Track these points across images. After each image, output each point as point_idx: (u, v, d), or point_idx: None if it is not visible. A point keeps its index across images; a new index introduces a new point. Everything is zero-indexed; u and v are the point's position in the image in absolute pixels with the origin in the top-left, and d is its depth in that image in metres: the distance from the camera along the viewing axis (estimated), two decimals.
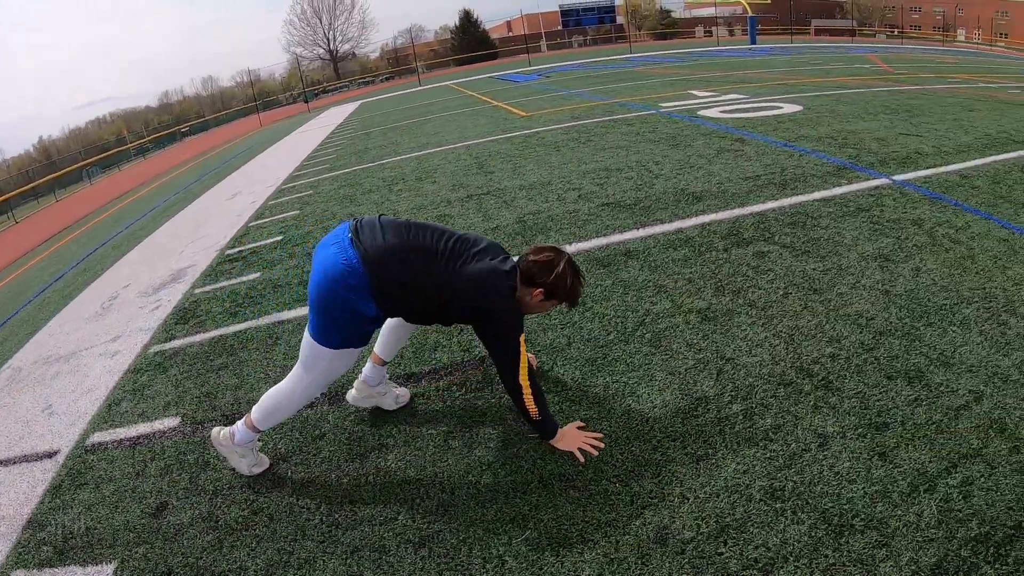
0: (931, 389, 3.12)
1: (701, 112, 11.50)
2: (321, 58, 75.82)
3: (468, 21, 71.88)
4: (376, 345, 3.09)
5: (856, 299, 4.04)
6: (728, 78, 18.16)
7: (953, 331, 3.65)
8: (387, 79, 61.09)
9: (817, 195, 6.03)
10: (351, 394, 3.17)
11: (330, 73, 73.34)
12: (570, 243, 5.47)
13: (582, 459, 2.68)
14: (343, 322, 2.46)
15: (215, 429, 2.86)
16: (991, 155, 7.58)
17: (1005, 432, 2.82)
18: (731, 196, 6.24)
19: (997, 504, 2.44)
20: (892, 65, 21.54)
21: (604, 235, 5.47)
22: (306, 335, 2.56)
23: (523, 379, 2.56)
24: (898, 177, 6.49)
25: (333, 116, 27.22)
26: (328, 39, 74.49)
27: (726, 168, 7.24)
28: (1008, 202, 5.88)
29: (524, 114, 14.29)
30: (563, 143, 10.09)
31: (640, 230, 5.60)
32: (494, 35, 76.64)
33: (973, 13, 78.34)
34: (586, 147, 9.46)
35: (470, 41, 67.92)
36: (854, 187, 6.22)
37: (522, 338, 2.57)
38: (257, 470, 2.89)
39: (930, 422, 2.89)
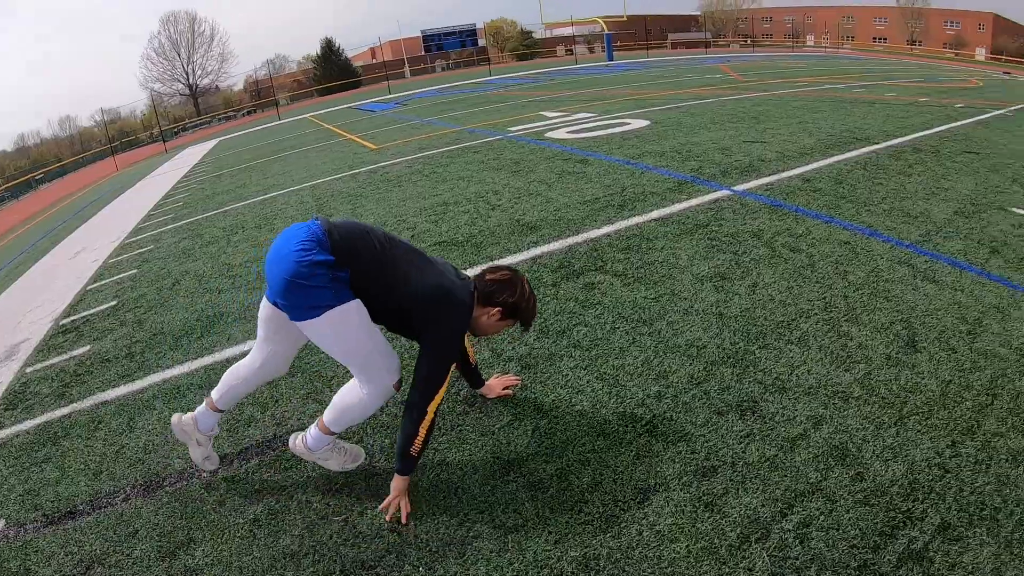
0: (765, 420, 3.02)
1: (549, 134, 11.57)
2: (181, 94, 73.18)
3: (330, 50, 71.33)
4: (215, 389, 2.95)
5: (688, 327, 3.95)
6: (580, 97, 18.59)
7: (790, 350, 3.59)
8: (248, 113, 59.55)
9: (655, 214, 6.04)
10: (175, 419, 3.00)
11: (192, 109, 70.94)
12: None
13: (390, 516, 2.63)
14: (312, 278, 2.35)
15: (291, 437, 2.90)
16: (834, 155, 7.87)
17: (847, 459, 2.74)
18: (567, 223, 6.14)
19: (838, 544, 2.35)
20: (742, 73, 22.69)
21: None
22: (303, 328, 2.49)
23: (432, 407, 2.51)
24: (739, 187, 6.60)
25: (189, 156, 25.95)
26: (187, 73, 72.02)
27: (566, 193, 7.18)
28: (850, 202, 6.05)
29: (373, 147, 14.10)
30: (406, 177, 9.85)
31: (467, 271, 5.38)
32: (358, 62, 76.46)
33: (821, 19, 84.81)
34: (428, 180, 9.25)
35: (333, 70, 67.34)
36: (694, 202, 6.27)
37: (452, 368, 2.60)
38: (351, 466, 2.93)
39: (763, 459, 2.77)
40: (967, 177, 7.57)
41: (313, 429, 2.75)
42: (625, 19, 49.88)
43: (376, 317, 2.57)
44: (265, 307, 2.65)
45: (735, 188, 6.59)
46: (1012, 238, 5.63)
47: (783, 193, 6.32)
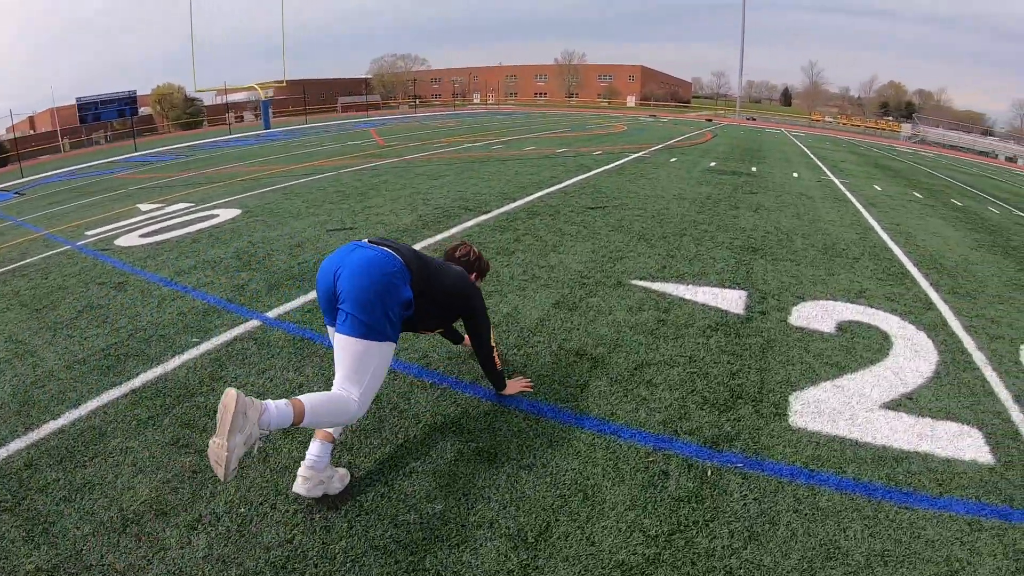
0: None
1: (118, 240, 9.14)
2: None
3: None
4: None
5: None
6: (197, 179, 16.09)
7: None
8: None
9: (137, 382, 3.99)
10: (300, 486, 2.76)
11: None
12: None
13: (531, 389, 3.68)
14: (390, 308, 2.75)
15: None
16: (430, 236, 6.47)
17: None
18: (38, 406, 3.88)
19: None
20: (387, 137, 21.49)
21: None
22: (347, 342, 2.72)
23: (492, 342, 3.52)
24: (275, 312, 4.86)
25: None
26: None
27: (65, 349, 4.90)
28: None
29: None
30: None
31: None
32: (16, 133, 66.47)
33: (486, 78, 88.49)
34: None
35: None
36: (193, 354, 4.34)
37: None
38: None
39: None
40: (584, 243, 6.42)
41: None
42: (285, 84, 47.88)
43: (427, 320, 3.11)
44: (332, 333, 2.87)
45: (268, 314, 4.77)
46: (624, 332, 4.31)
47: (306, 319, 4.64)
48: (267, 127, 41.44)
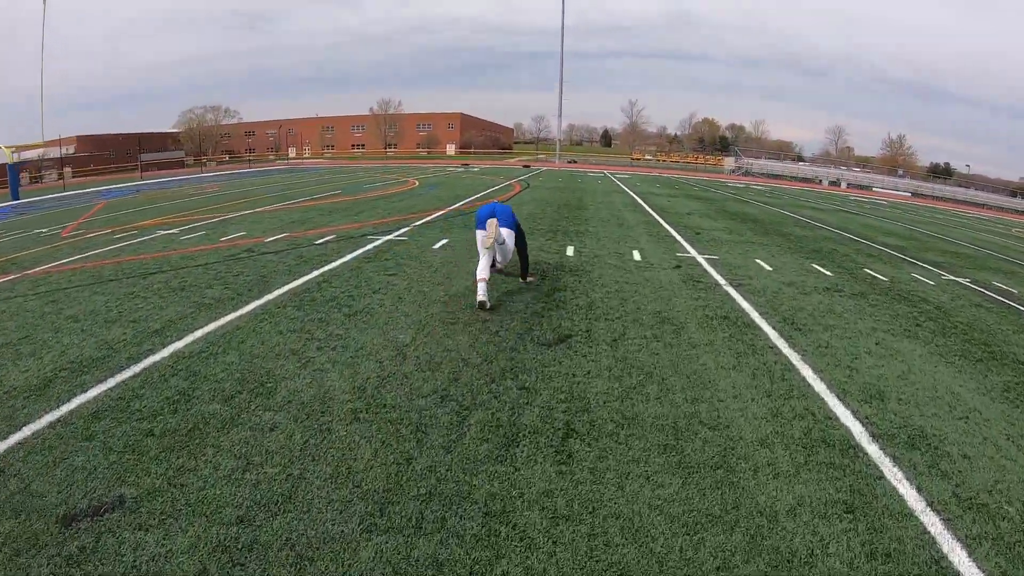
0: None
1: None
2: None
3: None
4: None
5: None
6: None
7: None
8: None
9: None
10: (482, 293, 6.35)
11: None
12: None
13: (488, 238, 6.80)
14: (512, 221, 6.87)
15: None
16: None
17: None
18: None
19: None
20: (107, 215, 15.02)
21: None
22: (505, 229, 6.74)
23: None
24: None
25: None
26: None
27: None
28: None
29: None
30: None
31: None
32: None
33: (302, 131, 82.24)
34: None
35: None
36: None
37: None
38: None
39: None
40: None
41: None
42: (43, 144, 39.25)
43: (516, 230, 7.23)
44: (479, 234, 6.54)
45: None
46: None
47: None
48: (14, 198, 32.76)
